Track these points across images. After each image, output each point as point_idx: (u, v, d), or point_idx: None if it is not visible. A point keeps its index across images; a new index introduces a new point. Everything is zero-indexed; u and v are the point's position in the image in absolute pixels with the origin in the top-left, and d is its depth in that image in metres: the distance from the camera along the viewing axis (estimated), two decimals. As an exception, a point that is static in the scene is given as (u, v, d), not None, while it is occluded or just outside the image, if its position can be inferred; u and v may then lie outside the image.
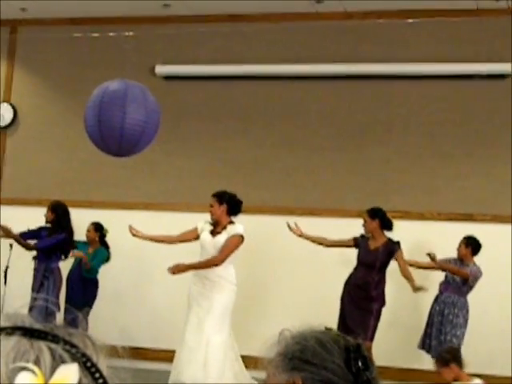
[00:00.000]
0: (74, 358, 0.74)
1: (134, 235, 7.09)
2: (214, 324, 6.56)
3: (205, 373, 6.44)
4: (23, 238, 7.97)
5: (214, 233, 6.86)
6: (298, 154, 8.67)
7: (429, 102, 8.46)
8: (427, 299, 7.49)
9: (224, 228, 6.84)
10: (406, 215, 7.98)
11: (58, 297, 7.68)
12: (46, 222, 7.95)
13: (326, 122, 8.66)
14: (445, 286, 7.40)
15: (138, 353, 8.34)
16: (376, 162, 8.50)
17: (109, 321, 8.41)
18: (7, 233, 7.72)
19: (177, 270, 6.74)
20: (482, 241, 7.62)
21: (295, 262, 8.17)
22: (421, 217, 8.21)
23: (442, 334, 7.23)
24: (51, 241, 7.80)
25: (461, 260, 7.41)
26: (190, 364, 6.48)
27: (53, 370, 0.71)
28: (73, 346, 0.75)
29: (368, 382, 1.44)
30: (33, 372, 0.70)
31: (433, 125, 8.43)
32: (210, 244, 6.80)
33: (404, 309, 7.96)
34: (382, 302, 7.20)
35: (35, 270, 7.87)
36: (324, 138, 8.63)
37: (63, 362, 0.73)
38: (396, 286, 7.51)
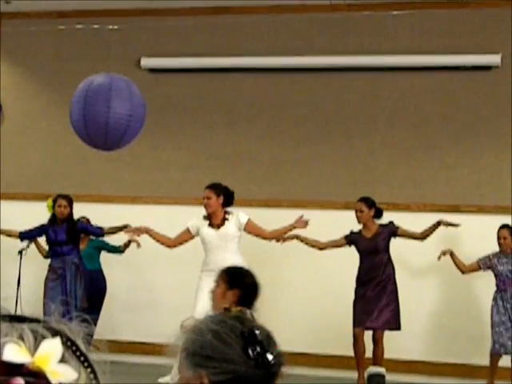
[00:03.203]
0: (55, 335, 0.77)
1: (137, 233, 7.14)
2: None
3: None
4: (25, 237, 7.86)
5: (214, 225, 6.82)
6: (284, 146, 8.67)
7: (415, 94, 8.47)
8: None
9: (225, 219, 6.81)
10: (393, 207, 8.00)
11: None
12: (63, 215, 7.70)
13: (312, 114, 8.66)
14: (507, 281, 7.25)
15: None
16: (362, 154, 8.52)
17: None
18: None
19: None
20: (467, 232, 7.65)
21: (285, 255, 8.17)
22: (407, 208, 8.23)
23: None
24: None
25: (503, 251, 7.32)
26: None
27: (36, 347, 0.74)
28: (53, 328, 0.79)
29: (269, 363, 1.48)
30: (18, 344, 0.73)
31: (419, 116, 8.45)
32: (217, 237, 6.76)
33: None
34: (394, 284, 7.21)
35: (60, 268, 7.62)
36: (310, 130, 8.64)
37: (45, 339, 0.76)
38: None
